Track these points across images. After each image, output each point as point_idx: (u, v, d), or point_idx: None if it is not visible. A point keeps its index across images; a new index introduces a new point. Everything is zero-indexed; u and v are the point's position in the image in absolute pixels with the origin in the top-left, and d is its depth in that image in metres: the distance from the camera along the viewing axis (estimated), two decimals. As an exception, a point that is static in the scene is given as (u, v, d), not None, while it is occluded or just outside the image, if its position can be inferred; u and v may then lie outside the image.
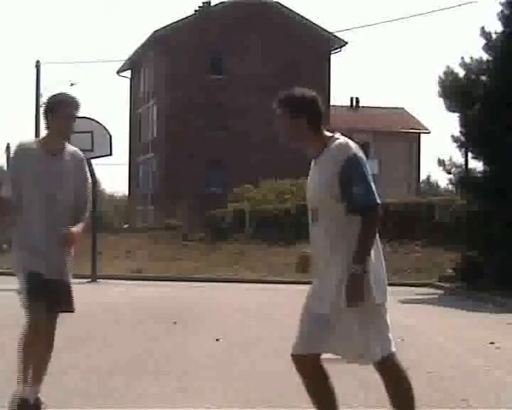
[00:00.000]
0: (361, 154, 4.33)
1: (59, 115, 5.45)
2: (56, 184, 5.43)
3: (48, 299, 5.30)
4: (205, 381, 6.89)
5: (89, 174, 5.74)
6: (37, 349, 5.39)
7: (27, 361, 5.39)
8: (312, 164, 4.47)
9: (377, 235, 4.35)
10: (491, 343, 9.32)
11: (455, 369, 7.73)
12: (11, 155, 5.67)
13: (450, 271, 20.42)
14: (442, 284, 19.62)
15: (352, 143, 4.34)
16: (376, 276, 4.29)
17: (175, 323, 10.80)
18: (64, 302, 5.45)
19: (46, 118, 5.51)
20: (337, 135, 4.41)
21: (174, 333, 9.95)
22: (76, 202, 5.51)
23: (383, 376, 4.37)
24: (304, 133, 4.41)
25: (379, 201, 4.27)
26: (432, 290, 18.95)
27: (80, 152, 5.75)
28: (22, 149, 5.51)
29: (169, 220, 34.90)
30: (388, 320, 4.39)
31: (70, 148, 5.64)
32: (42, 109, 5.63)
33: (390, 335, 4.38)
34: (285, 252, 24.77)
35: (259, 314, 12.57)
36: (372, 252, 4.28)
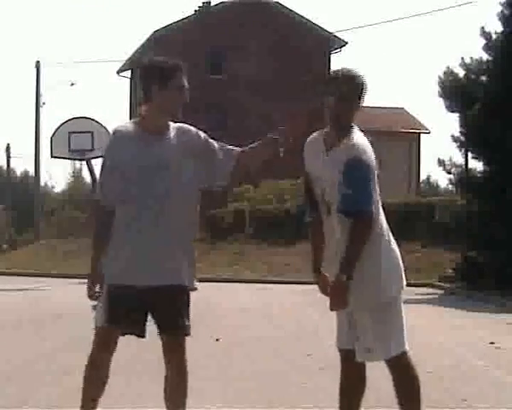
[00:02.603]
0: (366, 156, 4.16)
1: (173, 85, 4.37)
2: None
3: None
4: (205, 381, 6.88)
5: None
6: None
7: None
8: (323, 151, 4.28)
9: (388, 227, 4.30)
10: (491, 343, 9.33)
11: (455, 369, 7.73)
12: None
13: (450, 271, 20.43)
14: (442, 284, 19.63)
15: (358, 145, 4.18)
16: (387, 272, 4.30)
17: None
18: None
19: (149, 89, 4.35)
20: (355, 129, 4.25)
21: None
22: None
23: (394, 374, 4.35)
24: (349, 119, 4.23)
25: (370, 208, 4.10)
26: (432, 290, 18.96)
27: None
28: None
29: (169, 220, 34.82)
30: (404, 319, 4.41)
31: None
32: (143, 77, 4.41)
33: (405, 333, 4.39)
34: (285, 252, 24.79)
35: (259, 314, 12.57)
36: (382, 248, 4.26)
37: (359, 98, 4.23)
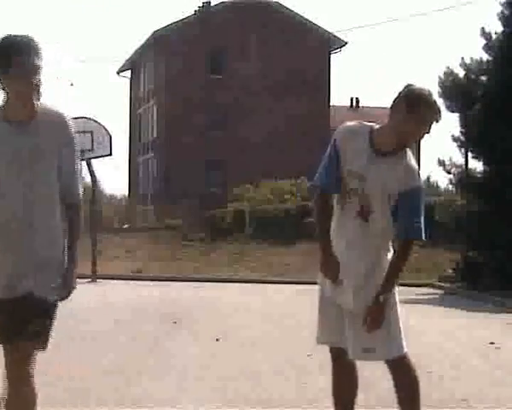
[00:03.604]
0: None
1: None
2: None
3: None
4: (205, 381, 6.88)
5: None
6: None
7: None
8: (369, 152, 4.21)
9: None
10: (491, 343, 9.32)
11: (455, 369, 7.73)
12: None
13: (451, 271, 20.41)
14: (442, 284, 19.61)
15: (418, 170, 4.24)
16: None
17: (175, 323, 10.80)
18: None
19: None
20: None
21: (174, 333, 9.95)
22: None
23: (395, 374, 4.35)
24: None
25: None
26: (432, 290, 18.94)
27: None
28: None
29: (169, 220, 34.89)
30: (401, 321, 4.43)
31: None
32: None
33: (403, 334, 4.40)
34: (285, 252, 24.79)
35: (259, 314, 12.56)
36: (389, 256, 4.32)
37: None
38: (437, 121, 4.14)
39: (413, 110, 4.06)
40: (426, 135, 4.19)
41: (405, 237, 4.23)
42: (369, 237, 4.23)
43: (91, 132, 19.76)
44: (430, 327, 11.46)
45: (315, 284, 4.51)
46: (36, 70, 3.77)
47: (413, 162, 4.24)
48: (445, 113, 22.02)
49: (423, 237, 4.20)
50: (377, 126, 4.29)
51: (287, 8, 46.66)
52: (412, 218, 4.17)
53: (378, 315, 4.18)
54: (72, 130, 3.88)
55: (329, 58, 47.24)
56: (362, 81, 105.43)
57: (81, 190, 3.94)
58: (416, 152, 48.02)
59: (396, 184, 4.15)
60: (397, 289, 4.38)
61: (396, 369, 4.34)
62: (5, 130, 3.78)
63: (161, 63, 46.23)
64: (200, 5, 46.80)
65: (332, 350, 4.45)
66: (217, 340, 9.29)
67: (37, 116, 3.80)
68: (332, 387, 4.50)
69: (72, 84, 39.80)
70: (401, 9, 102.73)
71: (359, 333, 4.24)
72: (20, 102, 3.76)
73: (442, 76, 20.22)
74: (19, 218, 3.78)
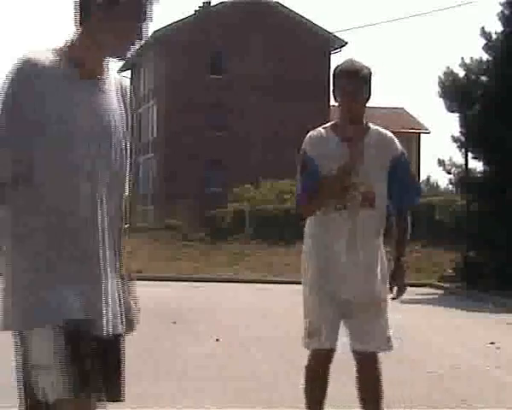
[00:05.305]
0: None
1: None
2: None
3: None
4: (205, 381, 6.88)
5: None
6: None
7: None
8: (341, 142, 4.28)
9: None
10: (491, 343, 9.32)
11: (455, 369, 7.73)
12: None
13: (450, 271, 20.42)
14: (442, 284, 19.60)
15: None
16: (384, 271, 4.35)
17: (175, 323, 10.80)
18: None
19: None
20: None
21: (174, 333, 9.95)
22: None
23: (372, 369, 4.36)
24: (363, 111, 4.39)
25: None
26: (432, 290, 18.94)
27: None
28: None
29: (169, 220, 34.90)
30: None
31: None
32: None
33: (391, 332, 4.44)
34: (285, 252, 24.77)
35: (259, 314, 12.56)
36: (382, 248, 4.34)
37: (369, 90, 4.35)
38: (359, 74, 4.23)
39: (335, 82, 4.32)
40: (362, 91, 4.27)
41: (399, 204, 4.38)
42: (376, 224, 4.28)
43: (91, 132, 19.76)
44: (430, 327, 11.47)
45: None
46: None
47: (386, 131, 4.38)
48: (445, 113, 22.03)
49: (417, 202, 4.51)
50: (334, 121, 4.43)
51: (287, 8, 46.63)
52: (405, 185, 4.35)
53: (403, 275, 4.36)
54: None
55: (329, 58, 47.22)
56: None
57: None
58: (416, 152, 47.77)
59: (382, 154, 4.27)
60: (388, 287, 4.38)
61: (375, 364, 4.34)
62: None
63: (161, 63, 46.23)
64: (200, 5, 46.81)
65: (330, 352, 4.43)
66: (217, 340, 9.29)
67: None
68: (317, 391, 4.51)
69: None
70: (401, 9, 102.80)
71: (359, 325, 4.27)
72: None
73: (442, 76, 20.14)
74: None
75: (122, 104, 2.89)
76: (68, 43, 2.78)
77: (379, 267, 4.29)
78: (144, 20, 2.81)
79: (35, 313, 2.67)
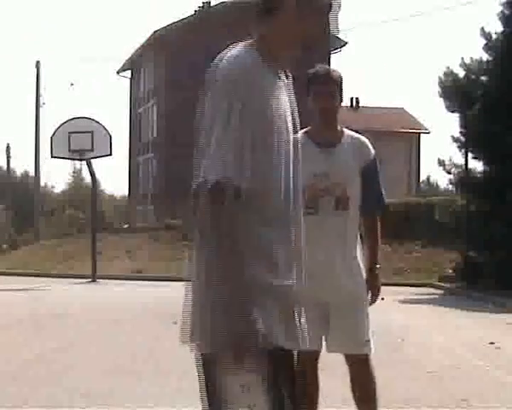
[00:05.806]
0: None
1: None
2: None
3: None
4: (205, 381, 6.87)
5: None
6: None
7: None
8: (317, 149, 4.31)
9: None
10: (491, 343, 9.32)
11: (455, 369, 7.73)
12: None
13: (450, 271, 20.43)
14: (442, 284, 19.61)
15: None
16: (361, 273, 4.35)
17: (175, 323, 10.75)
18: None
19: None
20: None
21: (174, 333, 9.91)
22: None
23: (359, 372, 4.35)
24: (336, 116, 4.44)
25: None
26: (432, 290, 18.95)
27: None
28: None
29: (169, 220, 34.90)
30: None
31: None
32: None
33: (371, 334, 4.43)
34: (285, 252, 24.74)
35: (259, 314, 12.55)
36: (359, 249, 4.35)
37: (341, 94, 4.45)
38: (333, 78, 4.39)
39: (309, 87, 4.40)
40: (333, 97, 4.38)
41: (371, 209, 4.39)
42: (351, 227, 4.29)
43: (91, 132, 19.77)
44: (430, 327, 11.46)
45: None
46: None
47: (359, 136, 4.45)
48: (445, 113, 22.04)
49: (378, 213, 4.45)
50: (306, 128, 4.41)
51: (287, 8, 46.66)
52: (376, 191, 4.39)
53: (377, 283, 4.35)
54: None
55: (329, 58, 47.23)
56: (362, 81, 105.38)
57: None
58: (416, 152, 47.74)
59: (356, 158, 4.32)
60: (366, 286, 4.36)
61: (368, 364, 4.33)
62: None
63: (161, 63, 46.23)
64: (200, 5, 46.81)
65: (315, 353, 4.40)
66: (217, 340, 9.28)
67: None
68: (308, 393, 4.50)
69: (72, 84, 39.86)
70: (401, 9, 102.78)
71: (336, 327, 4.25)
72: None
73: (442, 76, 20.14)
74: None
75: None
76: (259, 38, 2.71)
77: (356, 270, 4.28)
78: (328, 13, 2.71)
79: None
